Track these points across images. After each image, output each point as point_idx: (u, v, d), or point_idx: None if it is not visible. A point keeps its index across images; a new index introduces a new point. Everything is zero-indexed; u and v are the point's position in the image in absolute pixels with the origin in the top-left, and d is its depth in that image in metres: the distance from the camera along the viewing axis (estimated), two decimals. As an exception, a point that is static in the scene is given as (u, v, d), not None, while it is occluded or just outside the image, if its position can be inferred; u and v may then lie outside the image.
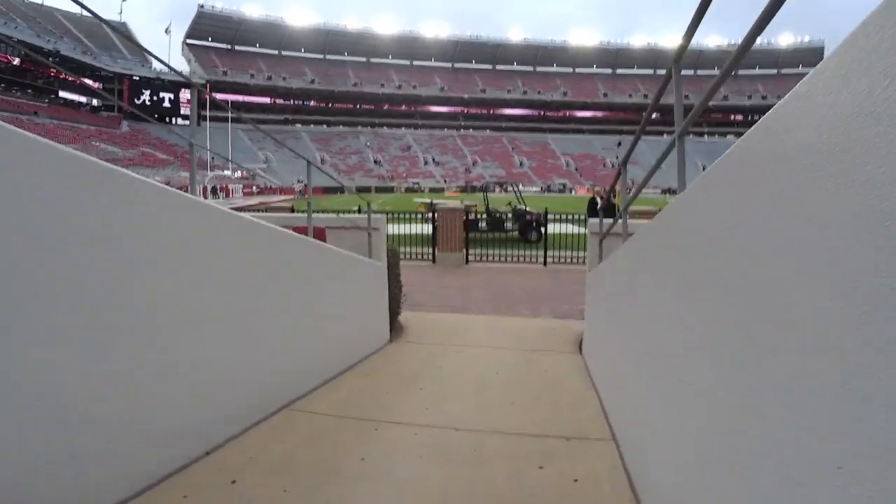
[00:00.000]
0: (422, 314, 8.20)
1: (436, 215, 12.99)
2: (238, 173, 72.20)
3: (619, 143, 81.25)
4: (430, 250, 13.20)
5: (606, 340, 4.47)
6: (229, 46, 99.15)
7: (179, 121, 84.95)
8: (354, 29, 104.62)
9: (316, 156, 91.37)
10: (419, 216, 14.21)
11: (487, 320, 7.79)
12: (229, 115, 74.95)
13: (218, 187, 57.14)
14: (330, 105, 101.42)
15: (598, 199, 15.80)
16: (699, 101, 2.28)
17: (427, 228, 13.44)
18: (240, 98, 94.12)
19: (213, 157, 74.67)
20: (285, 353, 4.07)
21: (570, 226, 14.53)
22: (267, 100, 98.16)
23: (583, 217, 13.64)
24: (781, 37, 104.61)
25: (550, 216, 13.50)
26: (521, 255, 13.15)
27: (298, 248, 4.33)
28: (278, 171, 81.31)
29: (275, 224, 3.99)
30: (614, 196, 16.29)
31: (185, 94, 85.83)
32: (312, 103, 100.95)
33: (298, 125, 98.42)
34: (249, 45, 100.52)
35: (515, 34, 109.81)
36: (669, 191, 60.82)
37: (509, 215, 16.78)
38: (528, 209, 17.63)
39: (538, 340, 6.79)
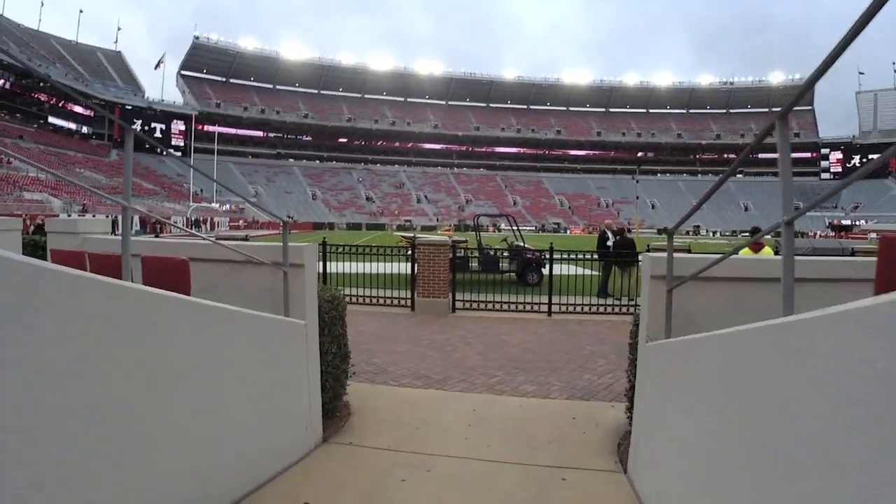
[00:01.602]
0: (383, 390, 5.80)
1: (416, 252, 10.65)
2: (226, 206, 70.15)
3: (637, 181, 79.65)
4: (409, 294, 10.82)
5: (700, 466, 2.17)
6: (224, 79, 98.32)
7: (171, 151, 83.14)
8: (349, 65, 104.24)
9: (307, 191, 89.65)
10: (400, 252, 11.80)
11: (476, 402, 5.37)
12: (215, 146, 73.44)
13: (200, 219, 55.05)
14: (323, 140, 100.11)
15: (609, 234, 13.60)
16: None
17: (409, 268, 11.09)
18: (232, 131, 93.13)
19: (201, 190, 73.34)
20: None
21: (575, 267, 12.20)
22: (260, 133, 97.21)
23: (588, 256, 11.37)
24: (772, 75, 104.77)
25: (556, 255, 11.06)
26: (521, 302, 10.75)
27: (117, 302, 2.01)
28: (268, 205, 79.42)
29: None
30: (629, 231, 14.18)
31: (176, 125, 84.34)
32: (305, 138, 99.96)
33: (291, 160, 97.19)
34: (244, 78, 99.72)
35: (509, 72, 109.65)
36: (664, 230, 58.91)
37: (505, 253, 14.41)
38: (526, 246, 15.35)
39: (553, 444, 4.37)
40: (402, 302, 10.81)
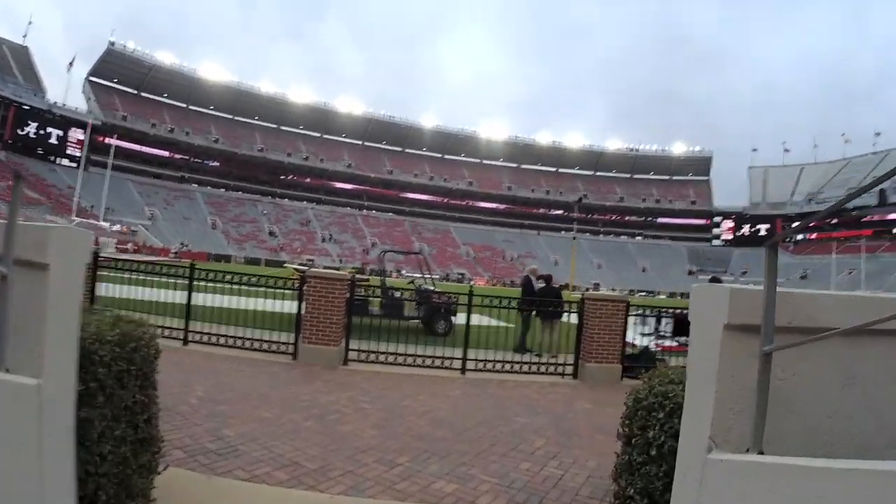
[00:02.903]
0: (224, 487, 3.73)
1: (304, 286, 8.57)
2: (116, 226, 64.17)
3: (575, 238, 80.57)
4: (293, 339, 8.68)
5: None
6: (135, 91, 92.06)
7: (65, 161, 76.08)
8: (268, 93, 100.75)
9: (208, 220, 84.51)
10: (285, 285, 9.54)
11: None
12: (110, 160, 67.52)
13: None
14: (231, 168, 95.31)
15: (533, 279, 12.14)
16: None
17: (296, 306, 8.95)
18: (136, 147, 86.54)
19: (91, 206, 66.67)
20: None
21: (488, 317, 10.48)
22: (166, 153, 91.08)
23: (513, 305, 9.73)
24: (675, 146, 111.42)
25: (476, 300, 9.22)
26: (429, 356, 8.84)
27: None
28: (163, 230, 74.09)
29: None
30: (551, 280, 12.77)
31: (75, 133, 77.15)
32: (213, 163, 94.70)
33: (195, 185, 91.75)
34: (157, 93, 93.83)
35: (428, 120, 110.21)
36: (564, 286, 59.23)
37: (412, 296, 12.54)
38: (435, 289, 13.60)
39: None
40: (283, 347, 8.64)
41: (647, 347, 10.29)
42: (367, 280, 14.07)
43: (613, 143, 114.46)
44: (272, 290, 9.09)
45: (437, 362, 8.77)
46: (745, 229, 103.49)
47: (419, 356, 8.78)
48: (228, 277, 8.82)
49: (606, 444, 5.55)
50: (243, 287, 8.81)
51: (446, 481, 4.15)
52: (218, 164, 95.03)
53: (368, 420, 5.61)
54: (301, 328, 8.51)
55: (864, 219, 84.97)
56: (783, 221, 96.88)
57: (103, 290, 9.22)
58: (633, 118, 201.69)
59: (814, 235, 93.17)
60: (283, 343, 8.66)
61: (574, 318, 9.53)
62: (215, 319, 8.87)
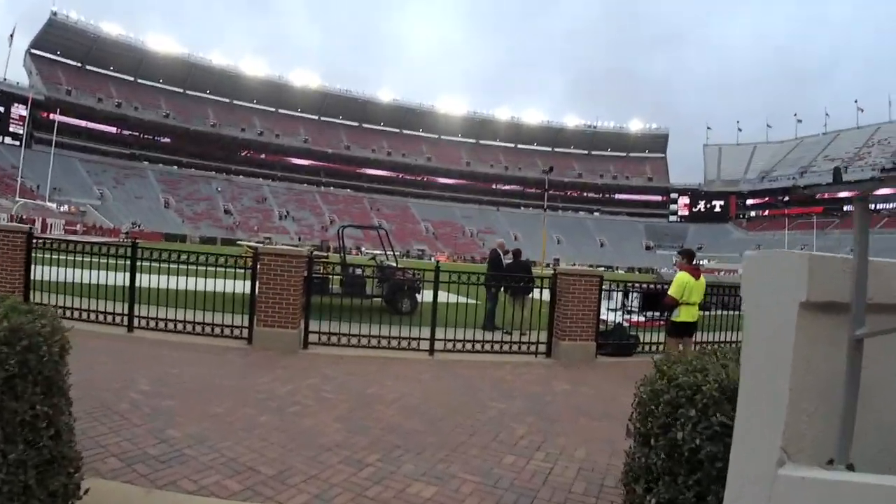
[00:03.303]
0: (168, 501, 3.17)
1: (258, 265, 7.91)
2: (64, 207, 61.19)
3: (545, 210, 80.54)
4: (248, 323, 8.04)
5: None
6: (80, 64, 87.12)
7: (8, 140, 71.99)
8: (220, 65, 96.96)
9: (160, 198, 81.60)
10: (236, 265, 8.81)
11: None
12: (54, 137, 64.20)
13: (24, 217, 46.65)
14: (183, 144, 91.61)
15: (501, 254, 11.73)
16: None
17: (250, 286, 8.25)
18: (83, 123, 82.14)
19: (37, 186, 63.20)
20: None
21: (456, 295, 9.97)
22: (114, 129, 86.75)
23: (481, 280, 9.29)
24: (631, 122, 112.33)
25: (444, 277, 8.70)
26: (395, 337, 8.33)
27: None
28: (114, 210, 71.14)
29: None
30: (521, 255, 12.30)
31: (17, 109, 72.97)
32: (164, 140, 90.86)
33: (146, 162, 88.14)
34: (103, 67, 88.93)
35: (386, 94, 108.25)
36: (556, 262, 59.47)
37: (374, 273, 11.92)
38: (398, 266, 13.04)
39: None
40: (238, 332, 7.98)
41: (619, 324, 9.99)
42: (327, 257, 13.42)
43: (572, 120, 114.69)
44: (224, 269, 8.38)
45: (404, 343, 8.27)
46: (701, 206, 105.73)
47: (384, 337, 8.26)
48: (175, 257, 8.09)
49: (591, 430, 5.16)
50: (192, 267, 8.09)
51: (424, 483, 3.67)
52: (169, 140, 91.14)
53: (332, 412, 5.07)
54: (256, 310, 7.86)
55: (816, 196, 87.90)
56: (737, 198, 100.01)
57: (39, 273, 8.36)
58: (591, 95, 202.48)
59: (766, 212, 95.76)
60: (237, 327, 8.00)
61: (546, 295, 9.11)
62: (163, 303, 8.13)
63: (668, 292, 7.51)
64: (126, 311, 8.04)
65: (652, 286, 10.79)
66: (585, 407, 6.01)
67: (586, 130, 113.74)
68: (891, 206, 78.04)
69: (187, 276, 8.10)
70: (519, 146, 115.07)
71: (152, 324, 8.05)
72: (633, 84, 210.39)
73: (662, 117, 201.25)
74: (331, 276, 10.98)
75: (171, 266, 8.10)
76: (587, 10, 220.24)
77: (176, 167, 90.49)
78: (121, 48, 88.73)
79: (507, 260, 11.74)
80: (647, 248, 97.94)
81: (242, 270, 8.43)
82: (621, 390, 5.75)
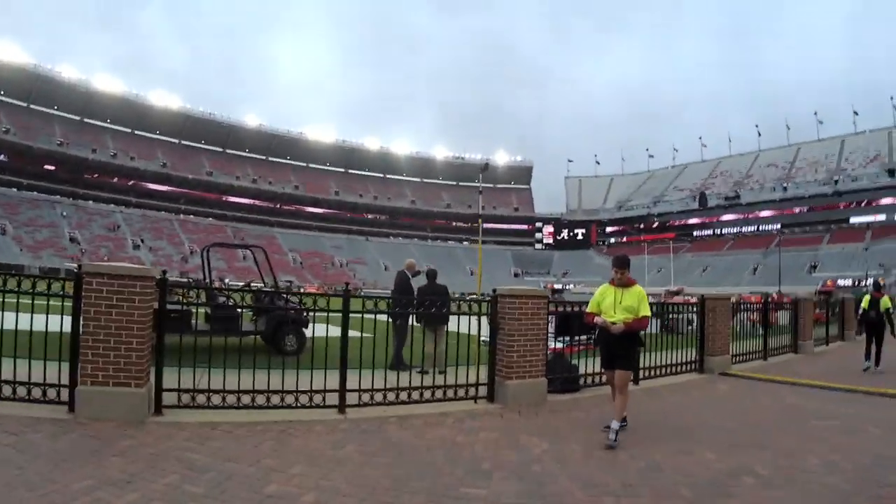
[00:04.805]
0: None
1: (83, 290, 5.31)
2: None
3: (481, 243, 78.07)
4: (66, 378, 5.31)
5: None
6: None
7: None
8: (70, 79, 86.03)
9: (-4, 223, 70.51)
10: (57, 292, 5.96)
11: None
12: None
13: None
14: (25, 164, 79.72)
15: (411, 276, 9.72)
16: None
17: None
18: None
19: None
20: None
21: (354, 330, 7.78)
22: (-60, 146, 73.77)
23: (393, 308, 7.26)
24: (498, 155, 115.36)
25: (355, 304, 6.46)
26: (288, 391, 5.89)
27: None
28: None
29: None
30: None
31: None
32: (2, 158, 78.69)
33: (-22, 183, 75.73)
34: None
35: (252, 120, 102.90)
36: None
37: (250, 302, 9.30)
38: (287, 290, 10.59)
39: None
40: (51, 393, 5.28)
41: (561, 352, 8.29)
42: (188, 282, 10.64)
43: (441, 152, 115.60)
44: (30, 297, 5.59)
45: (303, 399, 5.92)
46: (565, 234, 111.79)
47: (273, 392, 5.84)
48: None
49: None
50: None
51: None
52: (6, 158, 79.37)
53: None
54: (80, 359, 5.21)
55: (669, 223, 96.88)
56: (597, 226, 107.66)
57: None
58: (459, 128, 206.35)
59: (625, 239, 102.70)
60: (50, 385, 5.29)
61: (473, 325, 7.12)
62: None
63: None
64: None
65: (569, 308, 9.01)
66: (599, 479, 4.11)
67: (454, 162, 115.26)
68: (735, 230, 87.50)
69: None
70: (388, 176, 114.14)
71: None
72: (500, 118, 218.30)
73: (527, 151, 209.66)
74: (192, 304, 8.12)
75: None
76: (456, 52, 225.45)
77: (15, 189, 78.50)
78: (-52, 53, 76.65)
79: (418, 282, 9.76)
80: (515, 275, 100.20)
81: (59, 300, 5.66)
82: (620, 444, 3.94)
